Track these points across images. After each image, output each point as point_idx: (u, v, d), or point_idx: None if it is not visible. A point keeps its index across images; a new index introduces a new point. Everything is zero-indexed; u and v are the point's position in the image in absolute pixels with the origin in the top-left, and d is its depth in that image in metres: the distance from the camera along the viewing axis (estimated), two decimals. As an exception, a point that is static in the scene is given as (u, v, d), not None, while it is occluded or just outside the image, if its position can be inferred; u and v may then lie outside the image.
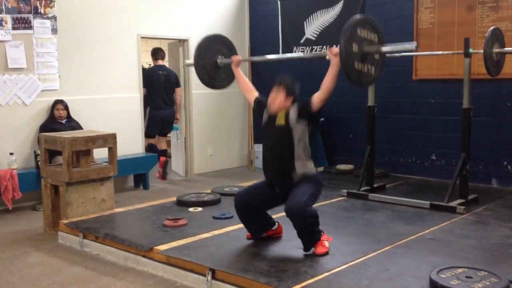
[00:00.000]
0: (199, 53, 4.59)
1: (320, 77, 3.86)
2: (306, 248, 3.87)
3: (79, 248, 4.56)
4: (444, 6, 6.47)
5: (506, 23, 5.98)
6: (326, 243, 3.89)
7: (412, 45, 3.52)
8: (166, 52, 8.47)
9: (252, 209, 4.07)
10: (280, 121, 3.90)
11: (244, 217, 4.13)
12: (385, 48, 3.70)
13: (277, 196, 3.97)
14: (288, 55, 5.08)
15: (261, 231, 4.19)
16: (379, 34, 3.77)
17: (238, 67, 4.45)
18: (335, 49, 3.69)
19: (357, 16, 3.74)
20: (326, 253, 3.83)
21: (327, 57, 3.82)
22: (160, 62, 7.62)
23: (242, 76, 4.42)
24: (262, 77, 8.24)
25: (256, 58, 5.67)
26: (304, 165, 3.88)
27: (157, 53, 7.65)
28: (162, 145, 7.67)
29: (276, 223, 4.25)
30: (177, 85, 7.58)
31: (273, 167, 3.95)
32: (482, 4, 6.19)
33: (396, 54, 6.05)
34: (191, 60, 4.68)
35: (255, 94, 4.26)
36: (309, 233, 3.84)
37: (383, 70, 3.82)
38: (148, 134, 7.38)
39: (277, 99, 3.88)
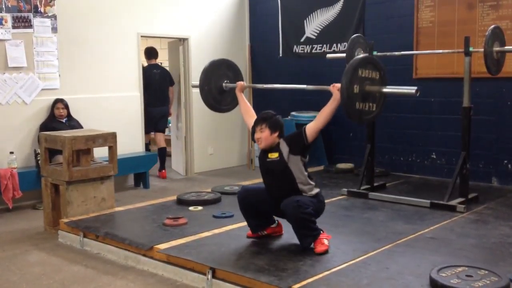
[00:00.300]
0: (205, 78, 4.61)
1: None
2: (302, 243, 3.88)
3: (79, 247, 4.57)
4: (444, 5, 6.47)
5: (507, 22, 5.98)
6: (326, 241, 3.89)
7: (412, 90, 3.61)
8: (166, 51, 8.50)
9: (253, 208, 4.11)
10: (273, 155, 3.95)
11: (245, 212, 4.18)
12: (386, 90, 3.78)
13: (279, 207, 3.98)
14: (291, 86, 5.22)
15: (261, 226, 4.20)
16: (380, 71, 3.83)
17: (242, 92, 4.50)
18: (338, 85, 3.76)
19: (358, 58, 3.77)
20: (326, 251, 3.84)
21: (330, 90, 3.88)
22: (153, 61, 7.83)
23: (245, 101, 4.47)
24: (262, 94, 8.26)
25: (259, 86, 5.97)
26: (309, 190, 3.95)
27: (151, 53, 7.85)
28: (161, 143, 7.78)
29: (276, 221, 4.25)
30: (171, 83, 7.82)
31: (278, 197, 3.95)
32: (482, 3, 6.19)
33: (396, 53, 6.05)
34: (196, 83, 4.70)
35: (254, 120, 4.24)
36: (305, 228, 3.84)
37: (383, 107, 3.89)
38: (145, 130, 7.45)
39: (262, 137, 3.94)
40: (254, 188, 4.27)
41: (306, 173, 3.97)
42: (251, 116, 4.27)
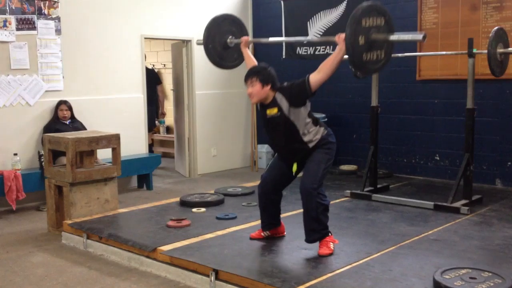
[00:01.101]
0: (208, 35, 4.49)
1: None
2: (307, 237, 3.88)
3: (82, 249, 4.57)
4: (447, 6, 6.46)
5: (510, 23, 5.97)
6: (332, 246, 3.89)
7: (419, 36, 3.41)
8: (169, 53, 8.53)
9: (277, 190, 4.06)
10: (272, 111, 3.83)
11: (265, 203, 4.11)
12: (392, 38, 3.58)
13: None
14: (297, 38, 4.99)
15: (271, 224, 4.19)
16: (385, 16, 3.63)
17: (247, 47, 4.39)
18: (343, 35, 3.58)
19: (361, 8, 3.54)
20: (330, 255, 3.83)
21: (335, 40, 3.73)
22: None
23: (250, 57, 4.35)
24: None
25: (264, 40, 5.73)
26: (314, 135, 3.85)
27: None
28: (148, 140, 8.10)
29: (280, 223, 4.27)
30: (157, 82, 8.37)
31: (284, 152, 3.93)
32: (486, 4, 6.18)
33: (399, 55, 6.04)
34: (201, 40, 4.58)
35: None
36: (316, 220, 3.81)
37: (391, 54, 3.72)
38: None
39: (254, 92, 3.80)
40: (268, 171, 4.13)
41: (309, 120, 3.83)
42: None
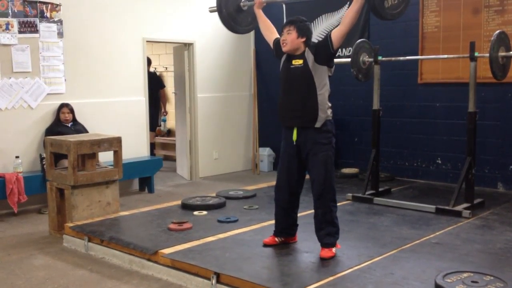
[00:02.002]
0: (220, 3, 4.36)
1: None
2: (324, 240, 3.89)
3: (84, 251, 4.57)
4: (449, 10, 6.46)
5: (512, 27, 5.97)
6: (334, 250, 3.91)
7: None
8: (171, 56, 8.56)
9: (292, 193, 4.05)
10: (297, 61, 3.86)
11: (282, 209, 4.08)
12: None
13: (299, 160, 3.94)
14: None
15: (284, 232, 4.15)
16: None
17: (261, 8, 4.30)
18: None
19: None
20: (331, 258, 3.84)
21: None
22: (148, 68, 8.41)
23: (264, 18, 4.27)
24: (264, 67, 8.27)
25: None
26: (326, 109, 3.86)
27: (149, 62, 8.51)
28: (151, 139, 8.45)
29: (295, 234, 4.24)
30: (161, 86, 8.79)
31: (293, 113, 3.86)
32: (487, 8, 6.18)
33: (401, 58, 6.04)
34: (214, 6, 4.47)
35: (276, 35, 4.16)
36: (332, 224, 3.87)
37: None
38: None
39: (288, 39, 3.83)
40: (281, 177, 4.09)
41: (328, 85, 3.86)
42: (272, 33, 4.17)
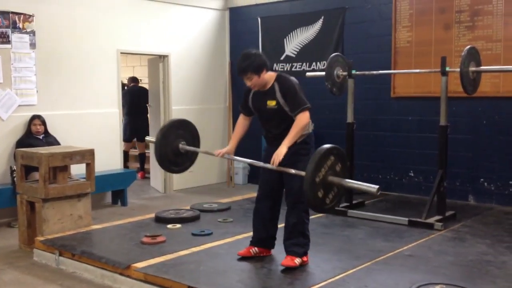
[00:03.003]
0: (160, 143, 4.21)
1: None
2: (294, 250, 3.91)
3: (55, 266, 4.49)
4: (421, 25, 6.58)
5: (482, 42, 6.10)
6: (298, 261, 3.89)
7: (374, 188, 3.40)
8: (146, 68, 8.56)
9: (275, 202, 4.09)
10: (271, 103, 3.90)
11: (261, 220, 4.10)
12: (347, 183, 3.52)
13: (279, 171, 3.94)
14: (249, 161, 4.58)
15: (260, 242, 4.14)
16: (344, 163, 3.63)
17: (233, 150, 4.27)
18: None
19: (326, 147, 3.53)
20: (292, 268, 3.84)
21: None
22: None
23: (238, 138, 4.22)
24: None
25: (239, 159, 5.67)
26: (304, 130, 3.93)
27: (137, 80, 9.25)
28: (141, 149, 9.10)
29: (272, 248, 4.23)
30: (147, 101, 8.70)
31: (277, 139, 3.90)
32: (458, 24, 6.31)
33: (374, 72, 6.11)
34: (153, 138, 4.37)
35: (243, 116, 4.20)
36: (302, 234, 3.90)
37: (341, 199, 3.72)
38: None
39: (254, 83, 3.86)
40: (263, 189, 4.13)
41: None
42: (246, 124, 4.20)
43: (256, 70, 3.82)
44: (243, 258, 4.12)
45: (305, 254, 3.98)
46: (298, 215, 3.90)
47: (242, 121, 4.19)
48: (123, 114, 8.52)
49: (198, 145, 4.42)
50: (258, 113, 4.05)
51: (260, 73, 3.83)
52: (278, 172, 3.90)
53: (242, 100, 4.14)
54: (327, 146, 3.52)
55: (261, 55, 3.90)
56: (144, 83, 9.56)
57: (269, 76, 3.90)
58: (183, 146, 4.26)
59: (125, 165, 8.48)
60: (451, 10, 6.34)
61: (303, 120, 3.80)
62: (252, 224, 4.20)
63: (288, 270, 3.84)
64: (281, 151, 3.72)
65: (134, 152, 9.58)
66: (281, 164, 3.80)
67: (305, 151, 3.93)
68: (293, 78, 3.94)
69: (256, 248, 4.16)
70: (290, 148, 3.81)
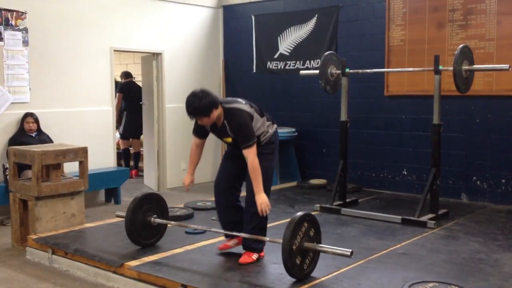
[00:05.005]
0: (131, 216, 4.25)
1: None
2: (253, 245, 4.02)
3: (48, 264, 4.47)
4: (414, 24, 6.59)
5: (475, 41, 6.12)
6: (255, 256, 4.02)
7: (347, 252, 3.52)
8: (139, 65, 8.53)
9: (232, 187, 4.16)
10: (228, 139, 4.03)
11: (224, 206, 4.17)
12: (321, 248, 3.69)
13: (239, 157, 4.01)
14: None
15: (233, 224, 4.16)
16: (317, 228, 3.76)
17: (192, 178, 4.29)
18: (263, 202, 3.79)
19: (298, 216, 3.63)
20: (249, 263, 3.95)
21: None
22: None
23: (197, 165, 4.32)
24: (236, 86, 8.30)
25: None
26: (266, 136, 4.07)
27: (130, 75, 9.25)
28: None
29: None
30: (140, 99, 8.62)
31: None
32: (451, 22, 6.33)
33: (368, 70, 6.12)
34: (122, 213, 4.39)
35: (196, 142, 4.26)
36: (259, 228, 3.97)
37: (316, 263, 3.79)
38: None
39: (206, 123, 3.90)
40: (221, 174, 4.24)
41: (258, 127, 3.99)
42: (200, 152, 4.29)
43: (205, 113, 3.80)
44: (237, 256, 4.12)
45: (261, 249, 4.08)
46: (256, 213, 3.89)
47: (196, 150, 4.24)
48: (121, 109, 8.78)
49: (167, 217, 4.54)
50: (217, 138, 4.18)
51: (209, 113, 3.81)
52: (239, 169, 4.04)
53: (194, 125, 4.12)
54: (299, 214, 3.65)
55: (209, 94, 3.83)
56: (138, 80, 9.54)
57: (220, 112, 3.89)
58: (154, 219, 4.36)
59: (127, 164, 8.61)
60: (444, 8, 6.36)
61: (253, 164, 3.81)
62: (219, 219, 4.26)
63: (282, 268, 3.84)
64: (263, 198, 3.78)
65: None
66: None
67: (270, 150, 4.09)
68: (239, 112, 3.90)
69: (234, 239, 4.24)
70: (257, 149, 3.89)
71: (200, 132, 4.15)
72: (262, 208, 3.77)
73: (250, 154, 3.81)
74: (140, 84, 9.28)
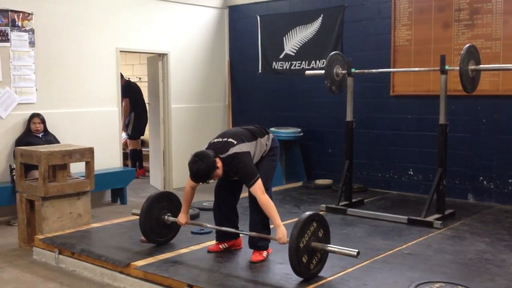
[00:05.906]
0: (145, 215, 4.32)
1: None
2: (257, 245, 4.09)
3: (54, 264, 4.49)
4: (420, 24, 6.58)
5: (481, 41, 6.10)
6: (265, 253, 4.08)
7: (354, 252, 3.55)
8: (145, 66, 8.56)
9: (231, 191, 4.28)
10: (234, 177, 4.11)
11: (222, 209, 4.28)
12: (329, 248, 3.70)
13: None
14: None
15: (227, 235, 4.25)
16: (326, 229, 3.79)
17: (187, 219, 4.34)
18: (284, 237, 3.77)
19: (307, 214, 3.67)
20: (261, 261, 4.01)
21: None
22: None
23: (190, 205, 4.36)
24: (242, 88, 8.30)
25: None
26: (265, 151, 4.19)
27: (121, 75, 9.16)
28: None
29: (238, 235, 4.35)
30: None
31: None
32: (457, 22, 6.31)
33: (374, 70, 6.11)
34: (137, 211, 4.46)
35: (191, 185, 4.28)
36: (263, 225, 4.03)
37: (324, 263, 3.81)
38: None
39: (214, 178, 4.00)
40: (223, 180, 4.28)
41: (256, 157, 4.10)
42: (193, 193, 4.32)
43: (209, 177, 3.92)
44: (243, 257, 4.15)
45: (267, 246, 4.15)
46: (261, 211, 3.93)
47: (190, 191, 4.27)
48: (129, 110, 8.78)
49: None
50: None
51: (213, 172, 3.90)
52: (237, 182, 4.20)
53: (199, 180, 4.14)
54: (309, 213, 3.67)
55: (209, 156, 3.91)
56: (144, 81, 9.56)
57: (219, 163, 3.95)
58: (168, 217, 4.41)
59: (134, 164, 8.71)
60: (450, 8, 6.34)
61: (263, 201, 3.84)
62: (215, 222, 4.31)
63: (287, 268, 3.84)
64: (283, 232, 3.77)
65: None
66: None
67: (272, 153, 4.22)
68: (235, 157, 3.93)
69: (225, 243, 4.29)
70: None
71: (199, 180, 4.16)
72: (283, 241, 3.77)
73: (258, 192, 3.85)
74: (138, 83, 9.36)
